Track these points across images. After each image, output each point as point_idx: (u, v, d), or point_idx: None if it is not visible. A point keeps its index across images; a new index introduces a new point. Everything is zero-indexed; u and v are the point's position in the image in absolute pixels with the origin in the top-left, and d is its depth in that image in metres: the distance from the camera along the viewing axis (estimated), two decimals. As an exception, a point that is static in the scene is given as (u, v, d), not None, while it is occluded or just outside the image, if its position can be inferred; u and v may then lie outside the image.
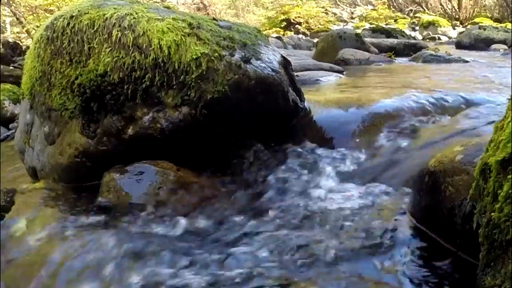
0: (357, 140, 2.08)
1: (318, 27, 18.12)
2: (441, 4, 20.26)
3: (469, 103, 2.39)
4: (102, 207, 1.78)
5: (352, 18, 22.22)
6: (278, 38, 10.95)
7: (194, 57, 1.86)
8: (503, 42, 7.93)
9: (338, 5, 23.81)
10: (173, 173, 1.87)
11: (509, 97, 0.99)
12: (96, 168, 2.00)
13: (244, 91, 1.91)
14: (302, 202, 1.72)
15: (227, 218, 1.68)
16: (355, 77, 3.80)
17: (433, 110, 2.29)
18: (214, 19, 2.14)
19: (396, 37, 8.12)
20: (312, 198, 1.74)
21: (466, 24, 16.34)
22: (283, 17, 20.19)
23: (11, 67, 5.74)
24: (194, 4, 21.58)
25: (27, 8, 15.06)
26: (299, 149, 2.06)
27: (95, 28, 1.98)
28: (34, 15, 14.88)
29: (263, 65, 1.99)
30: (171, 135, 1.93)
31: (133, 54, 1.90)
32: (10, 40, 11.06)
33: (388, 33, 8.66)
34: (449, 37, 12.49)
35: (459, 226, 1.27)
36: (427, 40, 11.54)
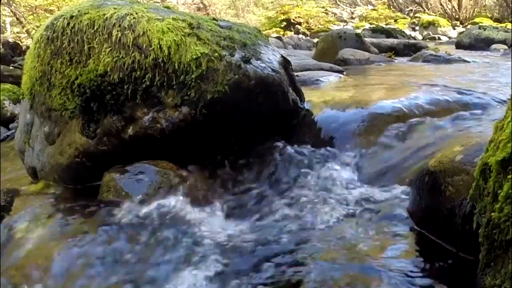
0: (357, 140, 2.08)
1: (318, 27, 18.08)
2: (441, 4, 20.25)
3: (469, 103, 2.38)
4: (102, 207, 1.78)
5: (352, 18, 22.19)
6: (278, 38, 10.93)
7: (194, 57, 1.86)
8: (503, 42, 7.90)
9: (338, 5, 23.79)
10: (173, 173, 1.87)
11: (509, 97, 0.99)
12: (96, 168, 2.00)
13: (244, 91, 1.91)
14: (302, 201, 1.72)
15: (227, 217, 1.68)
16: (355, 77, 3.80)
17: (433, 110, 2.28)
18: (214, 19, 2.14)
19: (396, 37, 8.12)
20: (311, 197, 1.74)
21: (466, 24, 16.33)
22: (283, 17, 20.15)
23: (11, 67, 5.74)
24: (194, 4, 21.57)
25: (27, 8, 15.05)
26: (300, 149, 2.06)
27: (95, 28, 1.98)
28: (34, 15, 14.87)
29: (263, 65, 1.99)
30: (171, 135, 1.93)
31: (133, 54, 1.90)
32: (10, 40, 11.06)
33: (388, 33, 8.66)
34: (449, 37, 12.48)
35: (459, 226, 1.27)
36: (427, 40, 11.52)
